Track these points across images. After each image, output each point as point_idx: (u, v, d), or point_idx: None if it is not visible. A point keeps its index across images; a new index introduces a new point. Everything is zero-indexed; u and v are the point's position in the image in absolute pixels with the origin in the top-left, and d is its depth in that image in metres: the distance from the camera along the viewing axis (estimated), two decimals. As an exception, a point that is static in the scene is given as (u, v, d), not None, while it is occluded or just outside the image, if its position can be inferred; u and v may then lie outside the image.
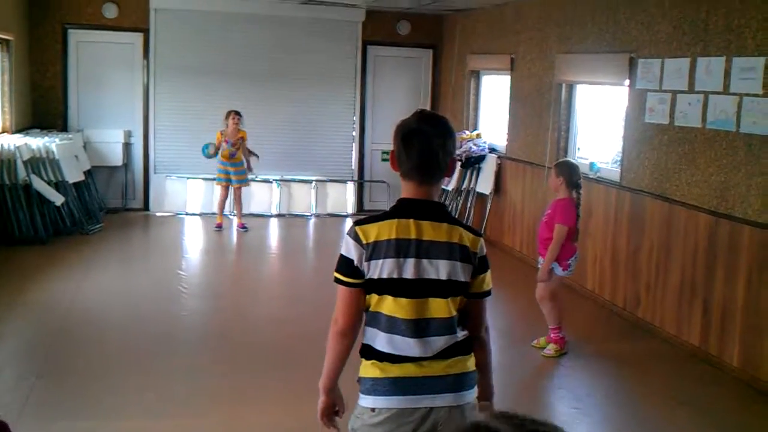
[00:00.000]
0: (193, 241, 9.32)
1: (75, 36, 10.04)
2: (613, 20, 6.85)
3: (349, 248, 2.36)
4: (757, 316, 5.11)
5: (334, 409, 2.53)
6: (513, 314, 6.54)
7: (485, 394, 2.50)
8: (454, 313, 2.38)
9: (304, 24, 10.60)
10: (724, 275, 5.43)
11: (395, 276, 2.32)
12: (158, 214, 10.30)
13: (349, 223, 10.52)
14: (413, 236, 2.34)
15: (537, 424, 1.13)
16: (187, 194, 10.41)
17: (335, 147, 11.07)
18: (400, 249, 2.32)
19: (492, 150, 9.59)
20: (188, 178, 10.37)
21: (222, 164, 9.29)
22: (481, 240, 2.43)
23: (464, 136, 9.57)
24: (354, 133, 11.13)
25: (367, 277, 2.35)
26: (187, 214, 10.32)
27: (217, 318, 6.37)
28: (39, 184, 8.24)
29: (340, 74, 10.95)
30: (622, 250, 6.67)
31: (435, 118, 2.46)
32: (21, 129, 9.22)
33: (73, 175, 8.88)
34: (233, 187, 9.41)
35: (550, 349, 5.56)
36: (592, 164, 7.34)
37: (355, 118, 11.10)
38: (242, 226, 9.53)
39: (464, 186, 9.84)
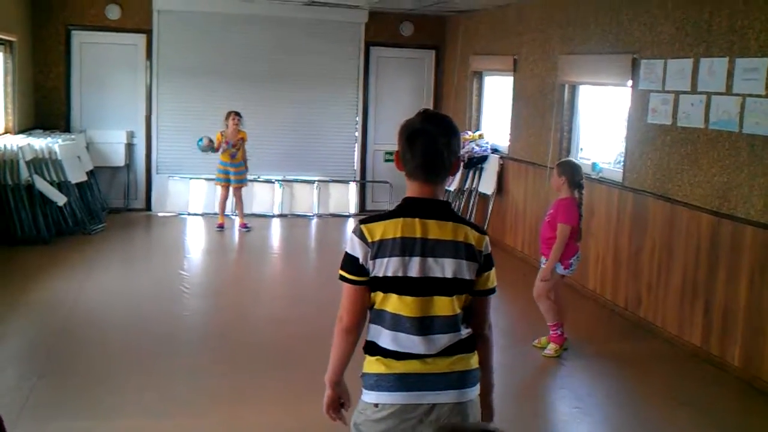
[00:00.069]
0: (195, 242, 9.32)
1: (78, 37, 10.05)
2: (616, 21, 6.85)
3: (354, 246, 2.37)
4: (758, 317, 5.10)
5: (339, 402, 2.54)
6: (514, 314, 6.54)
7: (485, 390, 2.52)
8: (459, 311, 2.40)
9: (307, 25, 10.61)
10: (726, 276, 5.42)
11: (400, 274, 2.34)
12: (160, 214, 10.31)
13: (351, 223, 10.55)
14: (418, 235, 2.35)
15: None
16: (189, 194, 10.42)
17: (338, 147, 11.08)
18: (405, 247, 2.34)
19: (494, 150, 9.59)
20: (190, 178, 10.39)
21: (222, 164, 9.30)
22: (487, 238, 2.45)
23: (467, 136, 9.58)
24: (356, 134, 11.14)
25: (372, 275, 2.36)
26: (189, 214, 10.33)
27: (219, 318, 6.37)
28: (42, 185, 8.26)
29: (343, 75, 10.95)
30: (624, 250, 6.66)
31: (439, 117, 2.47)
32: (24, 129, 9.24)
33: (76, 175, 8.89)
34: (232, 187, 9.42)
35: (551, 349, 5.56)
36: (594, 165, 7.34)
37: (357, 119, 11.10)
38: (244, 226, 9.53)
39: (467, 186, 9.84)
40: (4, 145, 8.09)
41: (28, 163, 8.14)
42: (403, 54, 11.26)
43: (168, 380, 4.86)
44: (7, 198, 8.02)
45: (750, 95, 5.21)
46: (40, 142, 8.51)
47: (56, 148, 8.52)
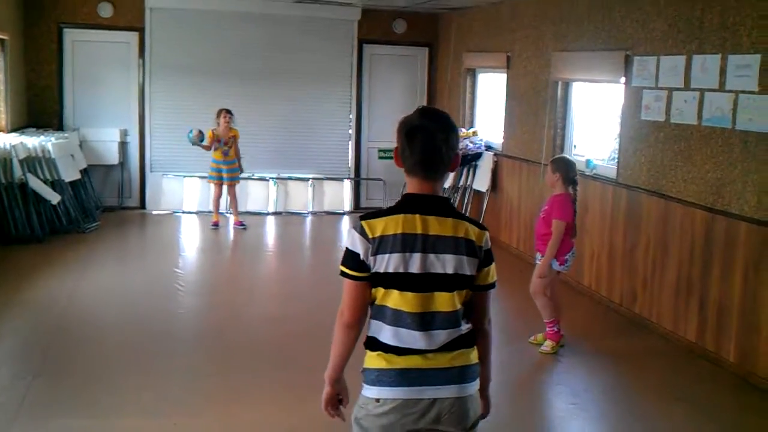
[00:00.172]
0: (190, 240, 9.31)
1: (70, 35, 10.02)
2: (609, 18, 6.86)
3: (354, 242, 2.38)
4: (753, 313, 5.12)
5: (338, 399, 2.55)
6: (510, 311, 6.55)
7: (483, 384, 2.54)
8: (459, 306, 2.42)
9: (300, 23, 10.60)
10: (720, 272, 5.44)
11: (401, 270, 2.35)
12: (155, 212, 10.30)
13: (346, 220, 10.55)
14: (419, 231, 2.37)
15: None
16: (183, 192, 10.41)
17: (332, 145, 11.07)
18: (406, 244, 2.35)
19: (488, 147, 9.60)
20: (184, 176, 10.37)
21: (215, 162, 9.30)
22: (487, 234, 2.47)
23: (461, 133, 9.58)
24: (350, 131, 11.14)
25: (373, 271, 2.37)
26: (183, 212, 10.32)
27: (214, 316, 6.36)
28: (35, 183, 8.23)
29: (336, 73, 10.95)
30: (619, 247, 6.68)
31: (437, 113, 2.48)
32: (17, 128, 9.21)
33: (69, 173, 8.87)
34: (226, 185, 9.41)
35: (547, 345, 5.57)
36: (588, 161, 7.36)
37: (351, 117, 11.10)
38: (240, 224, 9.53)
39: (461, 183, 9.86)
40: (-3, 144, 8.07)
41: (21, 161, 8.11)
42: (396, 51, 11.26)
43: (164, 378, 4.85)
44: (1, 197, 8.00)
45: (743, 92, 5.23)
46: (33, 141, 8.48)
47: (49, 146, 8.49)
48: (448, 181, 9.81)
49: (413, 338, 2.37)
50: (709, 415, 4.71)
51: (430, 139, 2.39)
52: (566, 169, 5.48)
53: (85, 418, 4.26)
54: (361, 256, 2.36)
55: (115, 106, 10.25)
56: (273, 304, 6.74)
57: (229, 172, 9.35)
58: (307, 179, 10.83)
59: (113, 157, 10.17)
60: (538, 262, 5.58)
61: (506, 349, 5.57)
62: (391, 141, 10.84)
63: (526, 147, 8.53)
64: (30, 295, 6.43)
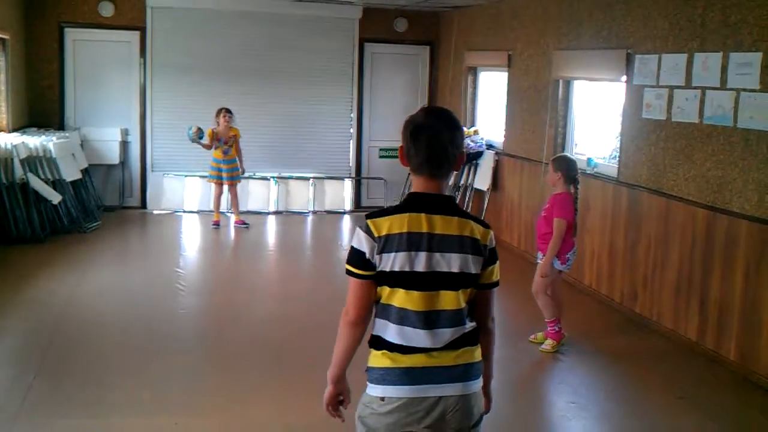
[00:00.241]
0: (191, 239, 9.31)
1: (71, 34, 10.02)
2: (610, 16, 6.85)
3: (360, 241, 2.39)
4: (754, 311, 5.11)
5: (339, 399, 2.54)
6: (511, 310, 6.54)
7: (486, 381, 2.55)
8: (464, 304, 2.43)
9: (301, 21, 10.60)
10: (721, 270, 5.43)
11: (407, 269, 2.36)
12: (156, 212, 10.30)
13: (347, 220, 10.55)
14: (425, 230, 2.38)
15: None
16: (184, 192, 10.41)
17: (333, 144, 11.07)
18: (411, 243, 2.36)
19: (489, 146, 9.60)
20: (185, 175, 10.37)
21: (215, 161, 9.30)
22: (491, 232, 2.49)
23: (462, 132, 9.56)
24: (351, 130, 11.13)
25: (379, 269, 2.38)
26: (184, 211, 10.32)
27: (215, 316, 6.37)
28: (36, 183, 8.23)
29: (338, 71, 10.94)
30: (620, 246, 6.67)
31: (443, 112, 2.50)
32: (18, 128, 9.21)
33: (71, 173, 8.87)
34: (226, 184, 9.41)
35: (548, 344, 5.57)
36: (589, 160, 7.35)
37: (352, 115, 11.10)
38: (242, 223, 9.53)
39: (462, 182, 9.85)
40: (-2, 144, 8.07)
41: (22, 161, 8.11)
42: (397, 50, 11.25)
43: (164, 378, 4.85)
44: (2, 197, 8.00)
45: (744, 90, 5.22)
46: (35, 140, 8.48)
47: (50, 146, 8.49)
48: (449, 180, 9.79)
49: (418, 337, 2.38)
50: (709, 414, 4.71)
51: (436, 138, 2.40)
52: (567, 168, 5.47)
53: (86, 418, 4.26)
54: (367, 255, 2.37)
55: (116, 106, 10.25)
56: (274, 304, 6.73)
57: (228, 172, 9.34)
58: (308, 178, 10.83)
59: (114, 157, 10.17)
60: (539, 261, 5.58)
61: (506, 348, 5.56)
62: (392, 140, 11.00)
63: (527, 146, 8.52)
64: (31, 295, 6.43)
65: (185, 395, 4.64)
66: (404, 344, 2.38)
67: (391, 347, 2.40)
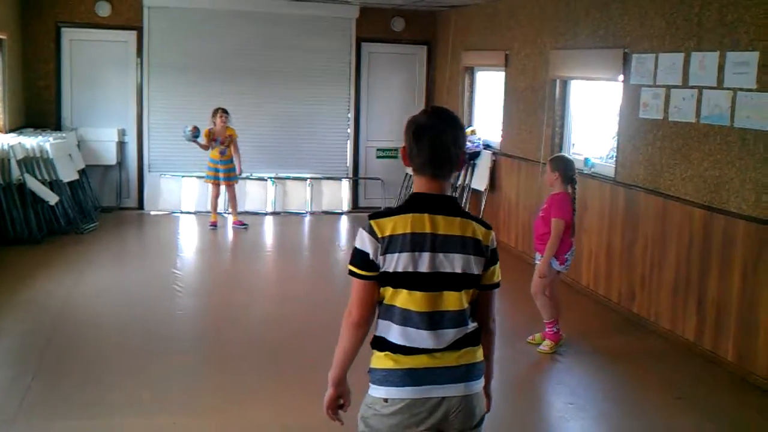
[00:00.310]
0: (188, 240, 9.30)
1: (68, 34, 10.01)
2: (607, 16, 6.85)
3: (364, 242, 2.39)
4: (751, 311, 5.12)
5: (339, 403, 2.54)
6: (508, 310, 6.54)
7: (486, 380, 2.55)
8: (466, 305, 2.44)
9: (298, 21, 10.59)
10: (718, 270, 5.44)
11: (410, 270, 2.36)
12: (153, 212, 10.28)
13: (344, 220, 10.55)
14: (428, 230, 2.38)
15: None
16: (181, 193, 10.40)
17: (330, 144, 11.06)
18: (415, 243, 2.36)
19: (486, 146, 9.59)
20: (183, 176, 10.36)
21: (212, 161, 9.29)
22: (493, 233, 2.50)
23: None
24: (349, 130, 11.13)
25: (382, 270, 2.38)
26: (181, 212, 10.31)
27: (212, 316, 6.36)
28: (33, 184, 8.22)
29: (335, 71, 10.94)
30: (617, 246, 6.68)
31: (445, 113, 2.50)
32: (14, 128, 9.20)
33: (67, 174, 8.86)
34: (224, 185, 9.40)
35: (546, 345, 5.57)
36: (586, 160, 7.36)
37: (349, 116, 11.09)
38: (241, 224, 9.52)
39: (459, 182, 9.85)
40: (-5, 145, 8.06)
41: (19, 162, 8.10)
42: (394, 50, 11.25)
43: (162, 379, 4.85)
44: (-1, 197, 7.99)
45: (741, 89, 5.22)
46: (31, 141, 8.47)
47: (47, 146, 8.48)
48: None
49: (421, 337, 2.38)
50: (707, 414, 4.71)
51: (439, 138, 2.41)
52: (565, 168, 5.47)
53: (84, 418, 4.26)
54: (371, 256, 2.37)
55: (113, 106, 10.24)
56: (272, 305, 6.73)
57: (225, 172, 9.33)
58: (306, 179, 10.83)
59: (111, 158, 10.16)
60: (537, 261, 5.58)
61: (504, 348, 5.53)
62: (389, 140, 11.01)
63: (524, 146, 8.52)
64: (28, 296, 6.42)
65: (184, 396, 4.64)
66: (407, 345, 2.38)
67: (394, 348, 2.40)
